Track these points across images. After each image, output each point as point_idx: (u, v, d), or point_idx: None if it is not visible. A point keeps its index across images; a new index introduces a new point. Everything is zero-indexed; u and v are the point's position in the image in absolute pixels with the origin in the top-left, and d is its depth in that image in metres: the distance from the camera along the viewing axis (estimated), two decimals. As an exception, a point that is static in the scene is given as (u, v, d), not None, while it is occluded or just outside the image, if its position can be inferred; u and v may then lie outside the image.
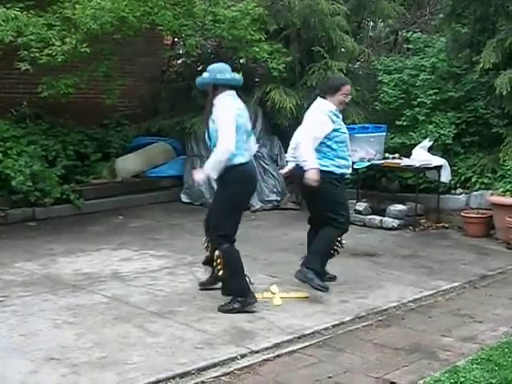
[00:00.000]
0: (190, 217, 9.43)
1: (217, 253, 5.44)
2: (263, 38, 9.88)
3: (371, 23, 12.60)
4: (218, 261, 5.43)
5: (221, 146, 5.32)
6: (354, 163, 9.02)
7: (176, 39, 11.42)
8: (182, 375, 4.29)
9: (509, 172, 8.41)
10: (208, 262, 5.89)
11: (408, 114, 9.51)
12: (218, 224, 5.50)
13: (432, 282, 6.42)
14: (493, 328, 5.19)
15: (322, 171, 5.77)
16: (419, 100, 9.46)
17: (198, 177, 5.59)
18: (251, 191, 5.80)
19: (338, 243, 6.08)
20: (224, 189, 5.52)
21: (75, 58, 8.77)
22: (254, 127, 10.76)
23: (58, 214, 9.37)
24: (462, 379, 4.11)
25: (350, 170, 6.11)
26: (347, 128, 8.98)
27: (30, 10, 8.46)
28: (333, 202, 5.97)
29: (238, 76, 5.73)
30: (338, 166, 5.91)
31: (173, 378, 4.25)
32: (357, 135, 9.10)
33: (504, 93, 8.29)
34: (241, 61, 11.02)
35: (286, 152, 10.54)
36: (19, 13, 8.20)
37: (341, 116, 6.05)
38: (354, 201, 9.34)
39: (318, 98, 6.02)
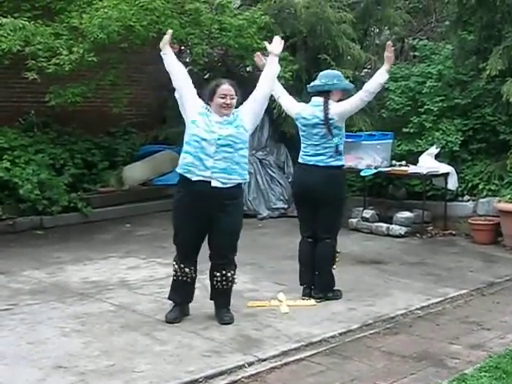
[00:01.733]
0: (197, 225, 9.43)
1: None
2: (269, 46, 9.89)
3: (377, 31, 12.60)
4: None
5: None
6: (360, 170, 9.09)
7: (183, 48, 11.45)
8: (190, 383, 4.29)
9: (516, 179, 8.41)
10: None
11: (415, 121, 9.52)
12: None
13: (439, 289, 6.41)
14: (501, 335, 5.18)
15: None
16: (426, 107, 9.46)
17: None
18: None
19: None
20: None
21: (82, 67, 8.79)
22: (260, 135, 10.82)
23: (65, 222, 9.41)
24: (470, 387, 4.11)
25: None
26: (353, 135, 9.13)
27: (37, 19, 8.50)
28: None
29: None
30: None
31: (180, 386, 4.26)
32: (363, 142, 9.13)
33: (511, 100, 8.28)
34: (247, 69, 11.05)
35: (292, 160, 10.69)
36: (27, 22, 8.23)
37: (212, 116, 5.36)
38: (361, 208, 9.35)
39: None
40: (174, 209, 5.53)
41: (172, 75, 5.57)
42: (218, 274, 5.43)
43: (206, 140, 5.24)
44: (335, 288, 6.13)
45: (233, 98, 5.31)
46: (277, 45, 5.64)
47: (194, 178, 5.26)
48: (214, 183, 5.23)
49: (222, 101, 5.28)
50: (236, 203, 5.39)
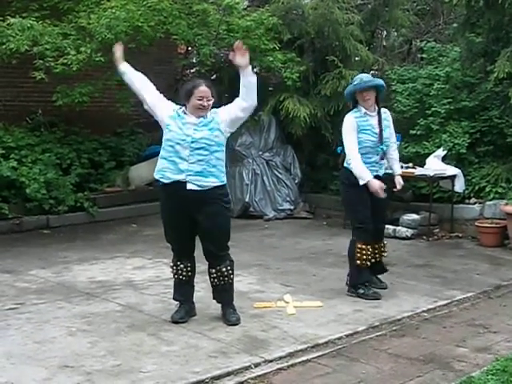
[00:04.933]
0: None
1: None
2: (277, 48, 9.90)
3: (385, 32, 12.59)
4: None
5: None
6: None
7: (190, 48, 11.46)
8: (196, 384, 4.30)
9: (523, 182, 8.39)
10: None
11: (422, 123, 9.50)
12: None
13: (446, 291, 6.39)
14: (507, 339, 5.16)
15: None
16: (433, 109, 9.44)
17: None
18: None
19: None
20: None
21: (90, 67, 8.82)
22: (267, 136, 10.82)
23: (71, 221, 9.43)
24: (477, 390, 4.10)
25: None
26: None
27: (45, 19, 8.53)
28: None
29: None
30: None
31: (187, 386, 4.26)
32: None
33: (518, 102, 8.27)
34: (254, 70, 11.02)
35: (299, 161, 10.70)
36: (35, 22, 8.27)
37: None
38: (368, 210, 9.32)
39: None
40: (160, 209, 5.50)
41: (135, 90, 5.52)
42: (214, 271, 5.43)
43: (180, 144, 5.20)
44: (369, 286, 6.22)
45: (209, 100, 5.25)
46: (241, 58, 5.30)
47: (167, 181, 5.25)
48: (189, 186, 5.20)
49: (199, 102, 5.22)
50: (216, 204, 5.29)
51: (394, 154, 6.44)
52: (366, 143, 6.08)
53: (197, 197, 5.20)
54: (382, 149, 6.16)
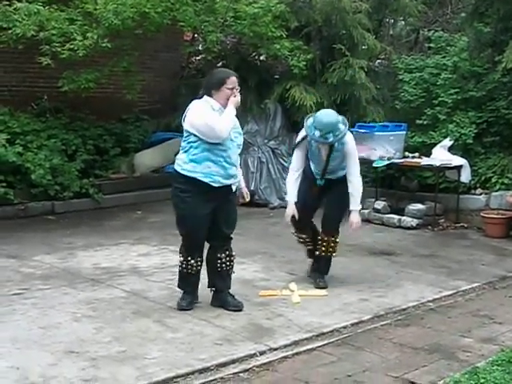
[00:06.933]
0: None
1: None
2: (284, 35, 9.86)
3: (392, 21, 12.53)
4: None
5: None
6: (373, 161, 9.05)
7: (196, 35, 11.43)
8: (201, 371, 4.29)
9: (530, 173, 8.36)
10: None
11: (429, 113, 9.46)
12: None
13: (451, 282, 6.38)
14: (513, 329, 5.17)
15: None
16: (440, 99, 9.41)
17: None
18: None
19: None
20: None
21: (96, 53, 8.80)
22: (273, 124, 10.79)
23: (77, 208, 9.42)
24: (482, 380, 4.08)
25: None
26: (367, 126, 9.12)
27: (52, 4, 8.51)
28: None
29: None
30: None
31: (192, 373, 4.25)
32: (376, 133, 9.09)
33: (526, 93, 8.23)
34: (261, 57, 11.01)
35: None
36: (41, 7, 8.26)
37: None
38: (373, 199, 9.31)
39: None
40: (180, 202, 5.31)
41: None
42: (223, 255, 5.42)
43: (231, 148, 5.24)
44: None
45: (238, 91, 5.30)
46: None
47: (217, 185, 5.23)
48: (233, 188, 5.39)
49: (231, 92, 5.24)
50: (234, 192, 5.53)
51: (353, 182, 5.99)
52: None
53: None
54: (319, 184, 6.16)
